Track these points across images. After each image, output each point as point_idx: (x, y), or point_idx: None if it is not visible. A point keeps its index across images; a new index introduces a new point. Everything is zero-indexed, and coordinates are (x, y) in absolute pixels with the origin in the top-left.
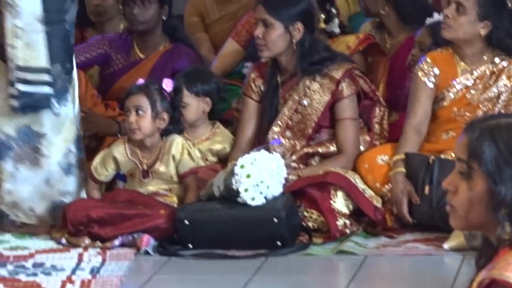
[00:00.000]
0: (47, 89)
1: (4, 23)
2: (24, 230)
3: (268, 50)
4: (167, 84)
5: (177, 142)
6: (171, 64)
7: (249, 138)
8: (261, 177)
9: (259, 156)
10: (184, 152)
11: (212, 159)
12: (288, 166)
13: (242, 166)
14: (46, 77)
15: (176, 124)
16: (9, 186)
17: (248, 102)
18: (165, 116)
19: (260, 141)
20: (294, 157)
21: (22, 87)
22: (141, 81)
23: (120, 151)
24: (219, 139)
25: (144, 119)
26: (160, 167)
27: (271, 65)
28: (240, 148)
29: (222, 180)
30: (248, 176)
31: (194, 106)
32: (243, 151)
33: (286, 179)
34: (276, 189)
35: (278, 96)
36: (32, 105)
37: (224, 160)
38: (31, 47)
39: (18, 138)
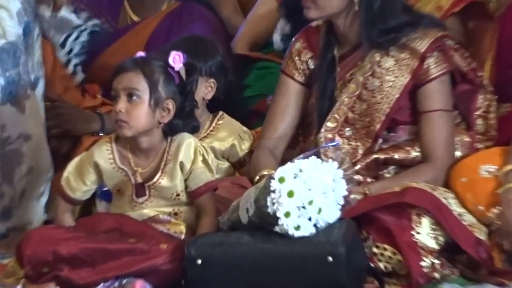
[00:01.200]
0: None
1: None
2: None
3: (317, 8)
4: (176, 59)
5: (188, 144)
6: (179, 30)
7: (284, 135)
8: (309, 195)
9: (307, 165)
10: (197, 158)
11: (223, 164)
12: (349, 179)
13: (281, 180)
14: None
15: (187, 118)
16: None
17: (287, 84)
18: (170, 105)
19: (306, 143)
20: (358, 166)
21: None
22: (140, 53)
23: (104, 155)
24: (223, 135)
25: (139, 107)
26: (162, 180)
27: (325, 32)
28: (267, 148)
29: (252, 200)
30: (290, 194)
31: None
32: (272, 154)
33: (347, 199)
34: (331, 214)
35: (334, 76)
36: None
37: (240, 164)
38: None
39: None
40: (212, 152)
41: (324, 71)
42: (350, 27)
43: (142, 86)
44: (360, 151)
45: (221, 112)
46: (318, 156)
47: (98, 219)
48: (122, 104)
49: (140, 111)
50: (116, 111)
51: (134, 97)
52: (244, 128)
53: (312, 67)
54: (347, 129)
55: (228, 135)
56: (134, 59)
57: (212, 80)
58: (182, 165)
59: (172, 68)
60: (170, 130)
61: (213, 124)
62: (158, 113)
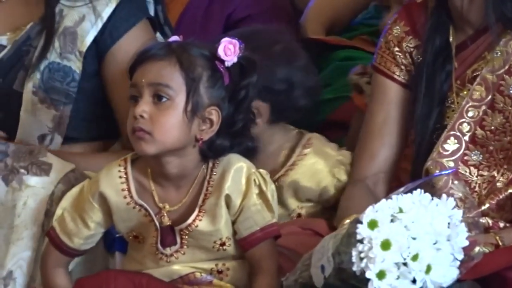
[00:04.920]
0: None
1: None
2: None
3: None
4: (229, 50)
5: (238, 170)
6: (224, 5)
7: (387, 163)
8: (414, 247)
9: (410, 202)
10: (251, 190)
11: (308, 207)
12: (473, 223)
13: (373, 224)
14: None
15: (239, 135)
16: None
17: (384, 87)
18: (214, 115)
19: (414, 173)
20: (486, 205)
21: None
22: (175, 37)
23: (114, 185)
24: (312, 169)
25: (170, 113)
26: (200, 223)
27: (434, 8)
28: (364, 185)
29: (329, 254)
30: (386, 245)
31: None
32: (372, 193)
33: (468, 252)
34: (445, 274)
35: (448, 74)
36: None
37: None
38: None
39: None
40: (293, 188)
41: (432, 66)
42: (472, 1)
43: (176, 82)
44: (499, 185)
45: (308, 136)
46: (428, 190)
47: (105, 280)
48: (145, 106)
49: (170, 118)
50: (136, 115)
51: (164, 99)
52: (339, 156)
53: (418, 59)
54: (475, 152)
55: (320, 169)
56: (166, 43)
57: (261, 103)
58: (229, 200)
59: (222, 62)
60: (211, 152)
61: (296, 154)
62: (196, 125)
